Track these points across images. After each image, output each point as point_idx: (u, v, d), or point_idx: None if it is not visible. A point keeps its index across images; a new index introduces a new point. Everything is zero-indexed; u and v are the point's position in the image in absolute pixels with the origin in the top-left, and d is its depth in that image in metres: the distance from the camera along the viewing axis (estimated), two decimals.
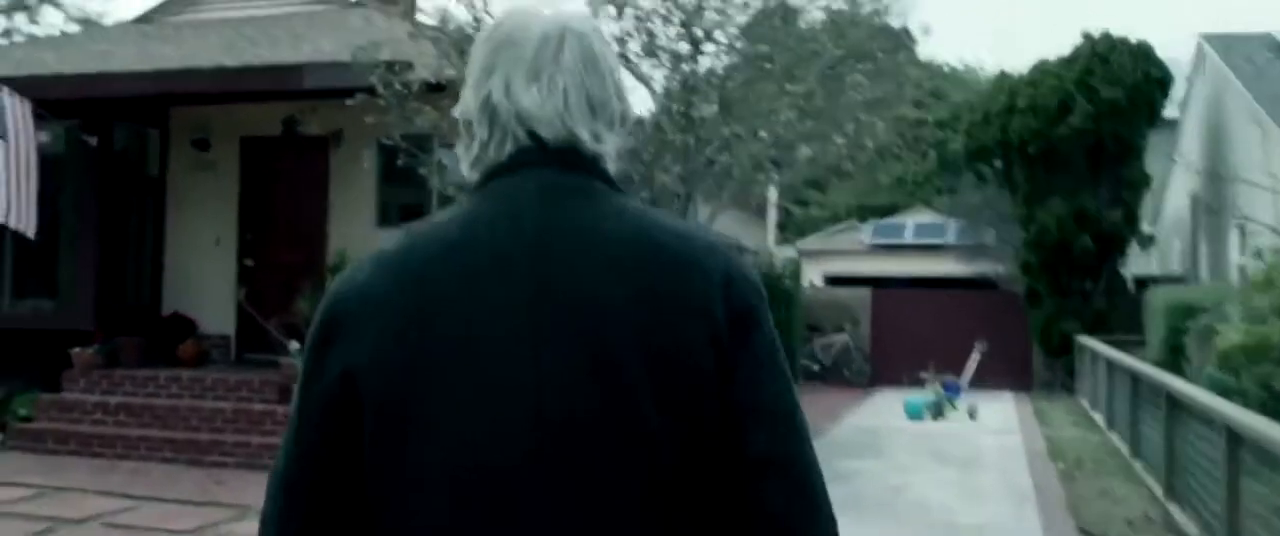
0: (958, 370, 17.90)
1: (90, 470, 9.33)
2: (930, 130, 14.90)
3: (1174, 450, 9.02)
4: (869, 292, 22.64)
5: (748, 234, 20.52)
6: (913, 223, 28.86)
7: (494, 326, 1.40)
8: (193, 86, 11.06)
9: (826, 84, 11.13)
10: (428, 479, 1.38)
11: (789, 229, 32.97)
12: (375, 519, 1.43)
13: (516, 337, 1.39)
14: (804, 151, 11.58)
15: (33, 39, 22.19)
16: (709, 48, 11.31)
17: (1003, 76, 20.86)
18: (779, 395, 1.45)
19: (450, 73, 10.04)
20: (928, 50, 33.20)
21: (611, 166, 1.54)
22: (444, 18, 10.72)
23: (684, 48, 11.08)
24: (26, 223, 9.94)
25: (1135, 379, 11.46)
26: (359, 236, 11.44)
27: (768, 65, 11.01)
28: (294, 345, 10.19)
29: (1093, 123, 18.46)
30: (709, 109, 10.60)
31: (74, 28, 26.43)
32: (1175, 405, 9.08)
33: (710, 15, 11.01)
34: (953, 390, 16.56)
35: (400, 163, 10.31)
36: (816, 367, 21.31)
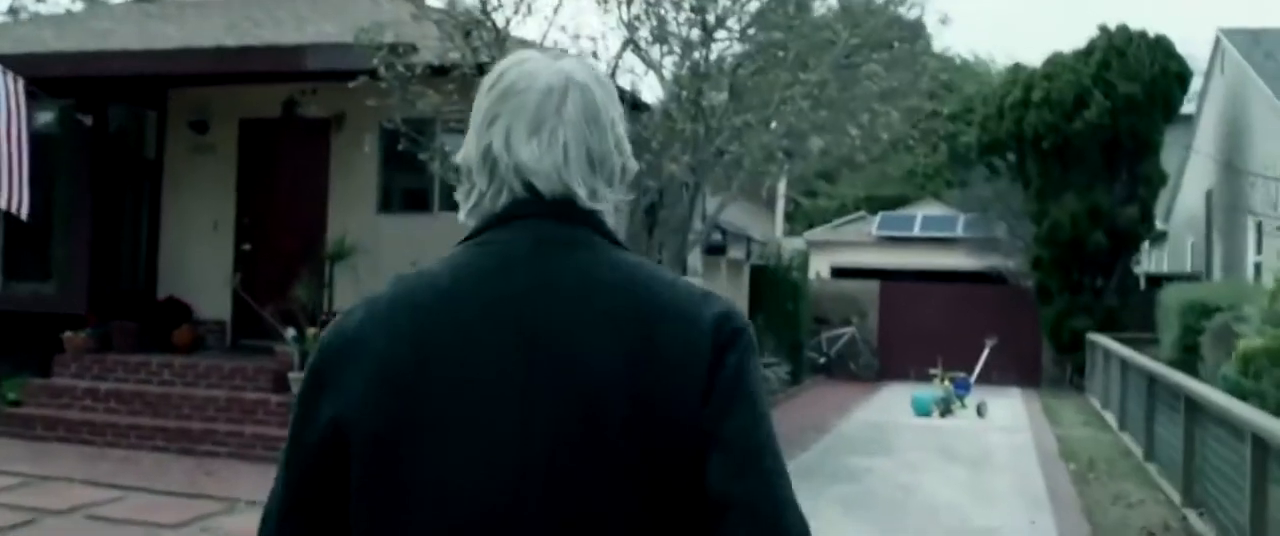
0: (966, 364, 17.68)
1: (78, 458, 9.10)
2: (942, 122, 14.63)
3: (1193, 456, 8.79)
4: (877, 285, 22.45)
5: (756, 224, 20.28)
6: (921, 215, 28.71)
7: (483, 378, 1.40)
8: (191, 67, 10.86)
9: (840, 74, 10.86)
10: (412, 529, 1.39)
11: (796, 220, 32.77)
12: None
13: (505, 389, 1.39)
14: (816, 142, 11.32)
15: (37, 17, 22.01)
16: (721, 35, 11.05)
17: (1017, 68, 20.63)
18: (754, 433, 1.41)
19: (454, 56, 9.82)
20: (941, 42, 32.96)
21: (609, 220, 1.53)
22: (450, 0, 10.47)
23: (695, 34, 10.82)
24: (19, 203, 9.73)
25: (1151, 380, 11.22)
26: (359, 222, 11.24)
27: (780, 53, 10.74)
28: (290, 332, 9.97)
29: (1109, 117, 18.24)
30: (719, 97, 10.34)
31: (80, 6, 26.22)
32: (1195, 409, 8.84)
33: (723, 1, 10.74)
34: (962, 387, 16.34)
35: (401, 147, 10.07)
36: (822, 360, 21.12)
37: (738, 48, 11.50)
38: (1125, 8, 22.99)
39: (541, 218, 1.47)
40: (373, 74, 9.48)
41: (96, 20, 13.52)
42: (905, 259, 26.44)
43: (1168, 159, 19.77)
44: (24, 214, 9.82)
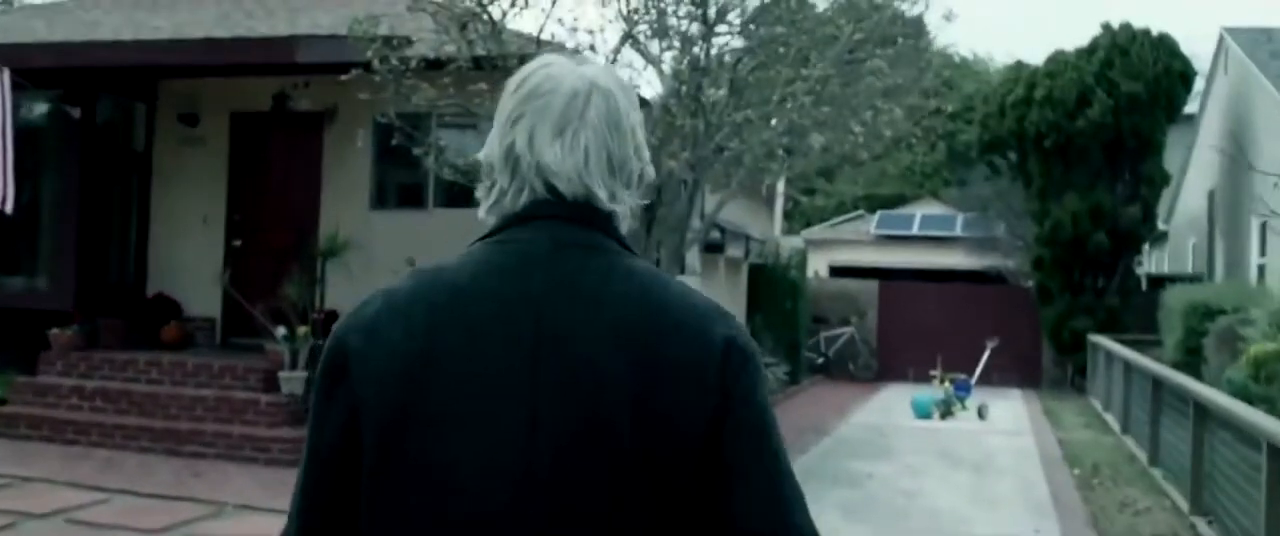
0: (965, 365, 17.51)
1: (62, 458, 8.89)
2: (942, 120, 14.41)
3: (1202, 462, 8.62)
4: (877, 285, 22.28)
5: (754, 223, 20.08)
6: (920, 214, 28.61)
7: (493, 378, 1.42)
8: (181, 58, 10.64)
9: (843, 70, 10.66)
10: (414, 522, 1.42)
11: (794, 218, 32.61)
12: None
13: (514, 391, 1.41)
14: (817, 139, 11.12)
15: (26, 6, 21.76)
16: (721, 29, 10.84)
17: (1019, 67, 20.47)
18: (772, 464, 1.45)
19: (450, 49, 9.62)
20: (942, 39, 32.78)
21: (624, 226, 1.56)
22: None
23: (695, 29, 10.61)
24: (4, 197, 9.55)
25: (1157, 383, 11.04)
26: (352, 218, 11.04)
27: (782, 48, 10.54)
28: (281, 330, 9.76)
29: (1112, 116, 18.09)
30: (719, 93, 10.13)
31: None
32: (1204, 415, 8.66)
33: None
34: (962, 389, 16.16)
35: (395, 142, 9.88)
36: (820, 360, 20.94)
37: (738, 42, 11.29)
38: (1128, 6, 22.84)
39: (561, 219, 1.50)
40: (366, 67, 9.29)
41: (86, 10, 13.29)
42: (904, 258, 26.33)
43: (1170, 159, 19.60)
44: (9, 207, 9.65)
